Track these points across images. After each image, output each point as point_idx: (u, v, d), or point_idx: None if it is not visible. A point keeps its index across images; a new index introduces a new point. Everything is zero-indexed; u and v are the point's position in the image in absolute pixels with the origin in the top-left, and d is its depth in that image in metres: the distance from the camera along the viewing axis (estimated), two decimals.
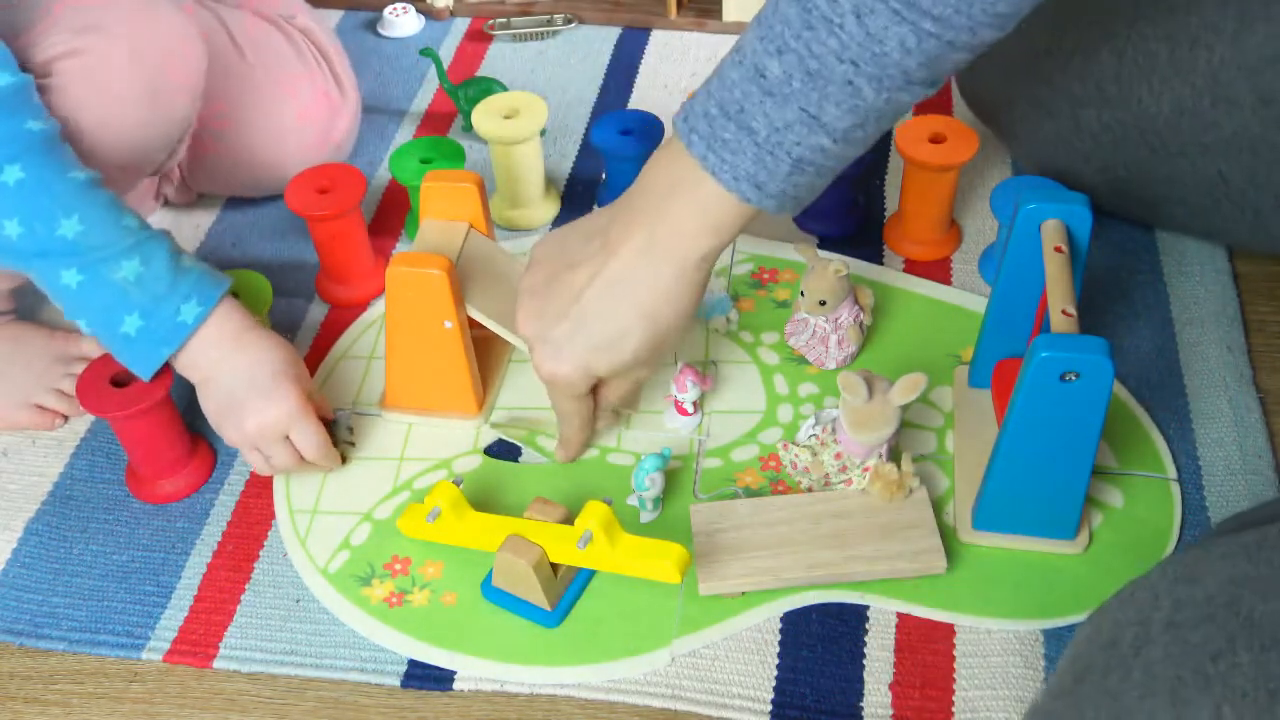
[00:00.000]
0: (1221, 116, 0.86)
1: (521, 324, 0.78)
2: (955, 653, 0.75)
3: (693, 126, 0.69)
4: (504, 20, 1.32)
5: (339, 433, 0.87)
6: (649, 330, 0.74)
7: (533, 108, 1.03)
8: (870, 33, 0.62)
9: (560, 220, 1.08)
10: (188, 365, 0.82)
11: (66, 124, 0.81)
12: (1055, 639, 0.75)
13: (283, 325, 0.99)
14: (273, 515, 0.85)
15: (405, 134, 1.19)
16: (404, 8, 1.34)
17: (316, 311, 1.00)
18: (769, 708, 0.73)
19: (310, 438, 0.83)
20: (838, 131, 0.66)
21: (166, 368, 0.82)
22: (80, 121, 0.83)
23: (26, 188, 0.76)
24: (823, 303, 0.88)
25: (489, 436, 0.89)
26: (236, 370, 0.82)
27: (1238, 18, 0.83)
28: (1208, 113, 0.87)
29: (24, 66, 0.81)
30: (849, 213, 1.03)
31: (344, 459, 0.88)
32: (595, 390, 0.81)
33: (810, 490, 0.83)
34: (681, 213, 0.71)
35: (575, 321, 0.75)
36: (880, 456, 0.81)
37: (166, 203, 1.11)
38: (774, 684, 0.74)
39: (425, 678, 0.76)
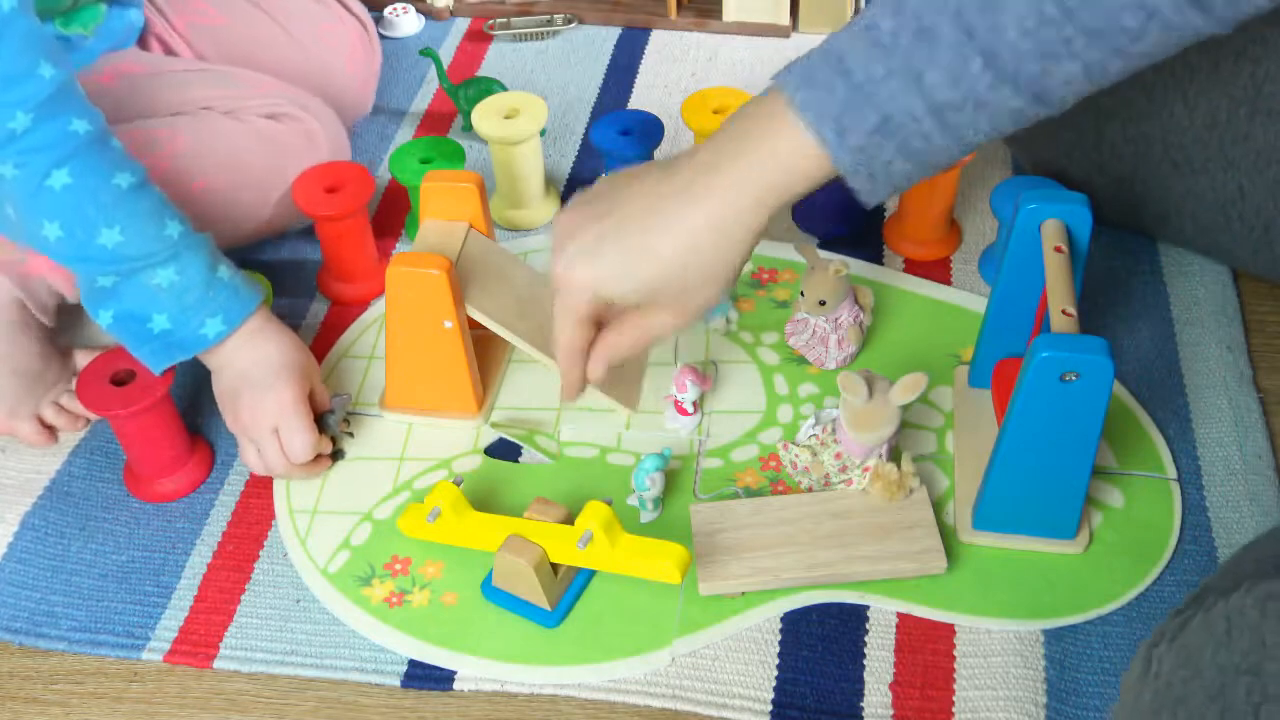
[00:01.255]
0: (1256, 129, 0.86)
1: (558, 220, 0.72)
2: (955, 653, 0.75)
3: (789, 70, 0.66)
4: (504, 20, 1.32)
5: (333, 422, 0.86)
6: (674, 262, 0.67)
7: (533, 108, 1.03)
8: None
9: None
10: (204, 353, 0.83)
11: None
12: (1055, 639, 0.75)
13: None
14: (273, 515, 0.85)
15: (405, 134, 1.19)
16: (404, 8, 1.34)
17: (317, 310, 1.00)
18: (769, 708, 0.73)
19: (296, 436, 0.82)
20: (934, 101, 0.62)
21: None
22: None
23: (72, 193, 0.75)
24: (823, 303, 0.88)
25: (489, 436, 0.89)
26: (243, 362, 0.83)
27: None
28: (1242, 125, 0.86)
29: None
30: (849, 213, 1.03)
31: (341, 451, 0.88)
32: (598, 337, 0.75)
33: (810, 490, 0.83)
34: (753, 149, 0.66)
35: (609, 227, 0.69)
36: (880, 456, 0.81)
37: None
38: (774, 684, 0.74)
39: (425, 678, 0.76)
